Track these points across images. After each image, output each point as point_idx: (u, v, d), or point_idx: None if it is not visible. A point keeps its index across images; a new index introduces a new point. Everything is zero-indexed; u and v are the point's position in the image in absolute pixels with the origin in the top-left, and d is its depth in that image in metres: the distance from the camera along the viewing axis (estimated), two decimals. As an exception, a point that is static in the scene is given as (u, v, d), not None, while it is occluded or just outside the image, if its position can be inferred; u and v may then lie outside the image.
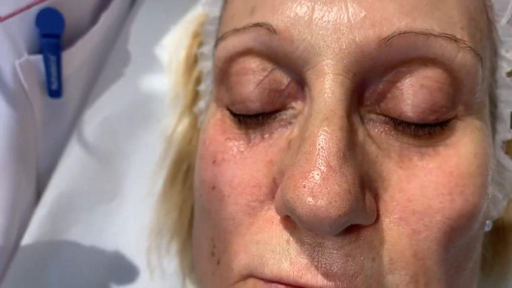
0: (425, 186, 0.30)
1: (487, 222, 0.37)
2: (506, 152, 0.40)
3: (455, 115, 0.32)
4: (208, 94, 0.43)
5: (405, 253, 0.30)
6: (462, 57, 0.31)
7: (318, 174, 0.27)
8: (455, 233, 0.30)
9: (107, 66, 0.52)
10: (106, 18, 0.49)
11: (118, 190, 0.51)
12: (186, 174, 0.48)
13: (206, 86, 0.44)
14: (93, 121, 0.51)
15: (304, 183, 0.27)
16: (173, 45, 0.53)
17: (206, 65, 0.43)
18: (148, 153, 0.51)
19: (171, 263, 0.49)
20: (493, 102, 0.38)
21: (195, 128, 0.48)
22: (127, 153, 0.52)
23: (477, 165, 0.32)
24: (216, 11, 0.41)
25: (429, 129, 0.31)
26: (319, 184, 0.27)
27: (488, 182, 0.33)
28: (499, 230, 0.43)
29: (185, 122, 0.50)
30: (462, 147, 0.32)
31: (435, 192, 0.30)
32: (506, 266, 0.45)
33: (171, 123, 0.51)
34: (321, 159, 0.28)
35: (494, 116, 0.38)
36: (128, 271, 0.49)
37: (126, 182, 0.51)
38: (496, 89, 0.38)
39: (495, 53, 0.37)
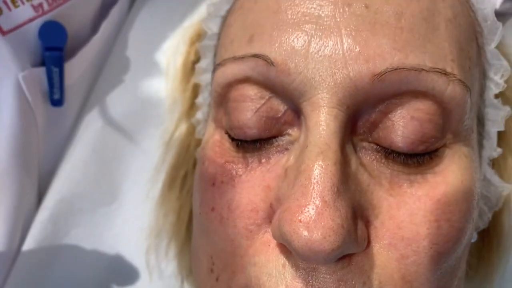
0: (413, 214, 0.32)
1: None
2: (493, 167, 0.42)
3: (444, 144, 0.34)
4: (205, 106, 0.45)
5: (394, 276, 0.32)
6: (451, 89, 0.32)
7: (313, 209, 0.29)
8: (441, 256, 0.32)
9: (106, 72, 0.53)
10: (106, 27, 0.50)
11: (117, 193, 0.52)
12: (183, 180, 0.50)
13: (203, 98, 0.45)
14: (93, 126, 0.52)
15: (300, 218, 0.29)
16: (170, 52, 0.53)
17: (204, 78, 0.44)
18: (146, 158, 0.52)
19: (169, 265, 0.51)
20: (481, 121, 0.39)
21: (192, 135, 0.50)
22: (126, 157, 0.53)
23: (463, 192, 0.33)
24: (214, 28, 0.42)
25: (418, 158, 0.33)
26: (314, 219, 0.29)
27: (473, 206, 0.34)
28: (484, 237, 0.45)
29: (182, 128, 0.51)
30: (450, 175, 0.33)
31: (423, 219, 0.32)
32: (490, 269, 0.47)
33: (169, 129, 0.52)
34: (316, 193, 0.29)
35: (481, 135, 0.40)
36: (127, 272, 0.51)
37: (125, 186, 0.52)
38: (484, 108, 0.39)
39: (484, 76, 0.39)
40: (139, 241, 0.51)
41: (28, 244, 0.48)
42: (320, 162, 0.30)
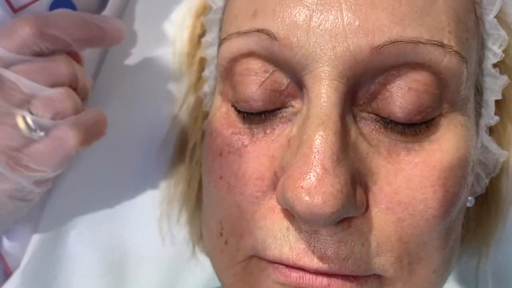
0: (410, 180, 0.34)
1: (469, 198, 0.40)
2: (491, 135, 0.43)
3: (440, 113, 0.35)
4: (212, 79, 0.46)
5: (391, 238, 0.34)
6: (448, 61, 0.34)
7: (314, 176, 0.31)
8: (436, 219, 0.34)
9: (114, 46, 0.54)
10: (114, 2, 0.51)
11: (129, 163, 0.54)
12: (192, 151, 0.51)
13: (210, 72, 0.46)
14: (102, 100, 0.53)
15: (302, 184, 0.31)
16: (177, 25, 0.54)
17: (210, 52, 0.45)
18: (155, 130, 0.54)
19: (181, 231, 0.53)
20: (479, 90, 0.41)
21: (200, 108, 0.51)
22: (135, 129, 0.54)
23: (458, 158, 0.35)
24: (219, 2, 0.43)
25: (416, 127, 0.34)
26: (315, 186, 0.30)
27: (468, 172, 0.36)
28: (482, 202, 0.47)
29: (190, 101, 0.53)
30: (445, 142, 0.35)
31: (419, 185, 0.33)
32: (487, 233, 0.49)
33: (177, 102, 0.53)
34: (317, 162, 0.31)
35: (479, 103, 0.41)
36: (141, 238, 0.53)
37: (136, 156, 0.54)
38: (483, 77, 0.40)
39: (482, 46, 0.40)
40: (151, 209, 0.53)
41: (45, 215, 0.50)
42: (321, 132, 0.32)
